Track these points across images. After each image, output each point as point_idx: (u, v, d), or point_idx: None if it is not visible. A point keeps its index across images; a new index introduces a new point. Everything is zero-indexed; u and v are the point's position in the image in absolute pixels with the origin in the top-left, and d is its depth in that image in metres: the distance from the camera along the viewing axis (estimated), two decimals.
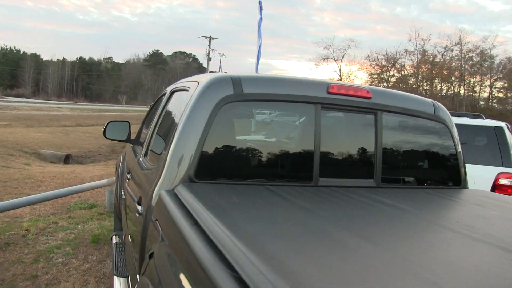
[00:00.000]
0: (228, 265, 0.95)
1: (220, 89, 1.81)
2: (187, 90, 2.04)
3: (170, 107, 2.40)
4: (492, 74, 38.29)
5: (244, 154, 1.91)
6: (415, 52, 39.95)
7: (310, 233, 1.21)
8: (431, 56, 39.73)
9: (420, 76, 40.51)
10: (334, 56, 42.01)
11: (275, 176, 1.88)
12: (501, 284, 0.95)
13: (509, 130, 4.97)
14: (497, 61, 37.45)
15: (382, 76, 42.21)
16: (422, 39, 38.90)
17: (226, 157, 1.84)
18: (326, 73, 50.24)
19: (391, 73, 42.30)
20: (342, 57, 42.15)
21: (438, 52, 39.24)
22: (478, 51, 36.83)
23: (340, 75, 41.74)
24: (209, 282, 0.93)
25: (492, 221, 1.54)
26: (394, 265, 1.01)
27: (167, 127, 2.16)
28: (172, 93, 2.49)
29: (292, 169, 1.94)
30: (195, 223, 1.23)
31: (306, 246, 1.10)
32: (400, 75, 41.89)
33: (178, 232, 1.26)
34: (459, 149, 2.29)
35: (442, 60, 39.30)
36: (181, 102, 2.08)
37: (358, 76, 43.34)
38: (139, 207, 1.97)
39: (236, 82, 1.82)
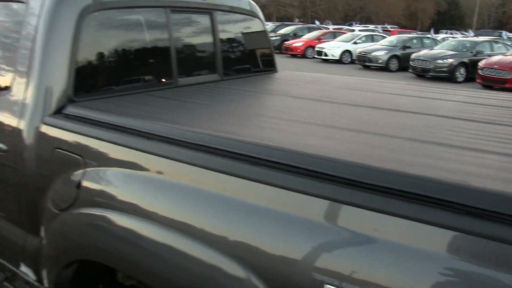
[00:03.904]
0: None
1: None
2: (21, 2, 1.77)
3: None
4: None
5: (115, 67, 1.99)
6: None
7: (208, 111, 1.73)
8: None
9: None
10: None
11: (144, 83, 2.09)
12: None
13: None
14: None
15: None
16: None
17: (97, 72, 1.90)
18: None
19: None
20: None
21: None
22: None
23: None
24: None
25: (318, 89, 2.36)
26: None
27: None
28: None
29: (156, 74, 2.17)
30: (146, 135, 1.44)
31: (214, 117, 1.62)
32: None
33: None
34: (270, 41, 2.94)
35: None
36: (14, 17, 1.84)
37: None
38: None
39: None
